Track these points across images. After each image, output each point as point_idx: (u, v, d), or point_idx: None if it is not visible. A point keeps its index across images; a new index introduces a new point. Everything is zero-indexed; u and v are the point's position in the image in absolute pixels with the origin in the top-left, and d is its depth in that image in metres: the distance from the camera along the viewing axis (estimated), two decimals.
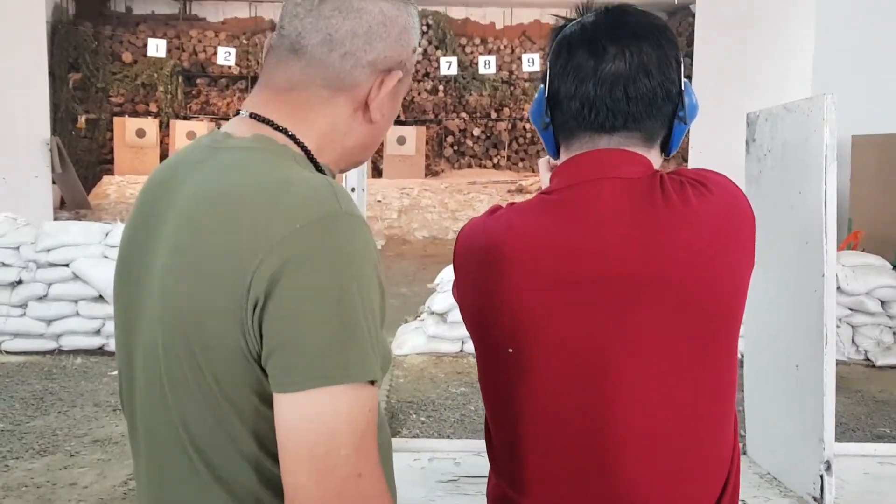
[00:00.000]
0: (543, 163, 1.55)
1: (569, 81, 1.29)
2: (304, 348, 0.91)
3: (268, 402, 0.96)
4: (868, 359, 5.94)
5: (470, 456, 2.16)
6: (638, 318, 1.22)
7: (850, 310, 5.80)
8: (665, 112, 1.30)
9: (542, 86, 1.35)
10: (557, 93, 1.31)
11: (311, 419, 0.91)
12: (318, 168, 1.08)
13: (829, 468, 1.90)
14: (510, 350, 1.27)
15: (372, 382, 0.94)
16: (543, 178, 1.51)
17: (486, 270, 1.29)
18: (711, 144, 7.73)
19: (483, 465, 1.42)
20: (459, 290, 1.37)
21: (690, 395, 1.25)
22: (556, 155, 1.38)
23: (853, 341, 5.99)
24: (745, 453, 2.33)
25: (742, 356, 1.62)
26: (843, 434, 4.14)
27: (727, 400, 1.30)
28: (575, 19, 1.35)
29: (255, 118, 1.08)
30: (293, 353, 0.91)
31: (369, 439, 0.94)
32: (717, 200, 1.25)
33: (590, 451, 1.25)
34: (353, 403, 0.92)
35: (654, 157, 1.32)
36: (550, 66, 1.33)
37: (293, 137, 1.07)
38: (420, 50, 1.22)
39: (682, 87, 1.30)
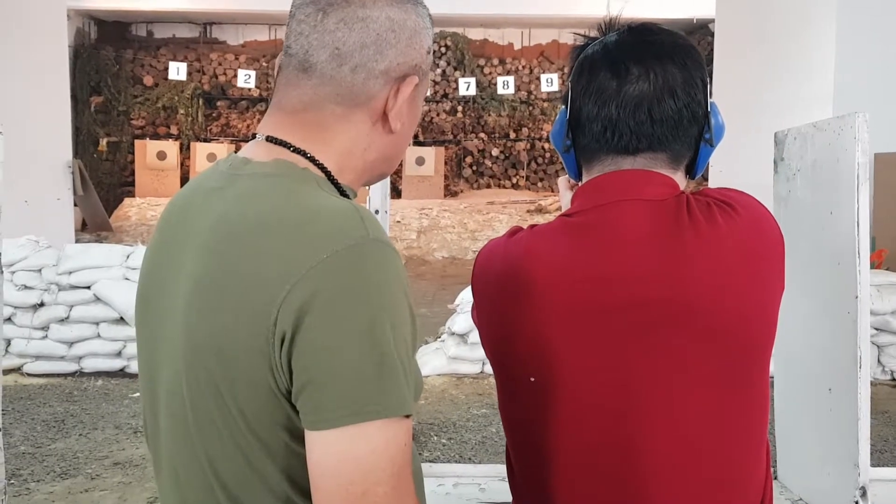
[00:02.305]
0: (563, 181, 1.51)
1: (591, 103, 1.25)
2: (336, 384, 0.87)
3: (299, 438, 0.92)
4: (894, 378, 5.87)
5: (495, 481, 2.12)
6: (664, 345, 1.17)
7: (876, 329, 5.73)
8: (691, 134, 1.25)
9: (563, 107, 1.31)
10: (579, 114, 1.27)
11: (346, 457, 0.87)
12: (341, 190, 1.04)
13: (864, 494, 1.86)
14: (532, 379, 1.23)
15: (407, 416, 0.90)
16: (563, 198, 1.48)
17: (505, 297, 1.25)
18: (732, 163, 7.68)
19: (508, 491, 1.39)
20: (478, 315, 1.34)
21: (721, 424, 1.20)
22: (578, 177, 1.34)
23: (879, 361, 5.92)
24: (776, 478, 2.29)
25: (773, 378, 1.59)
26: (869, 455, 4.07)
27: (759, 428, 1.25)
28: (597, 38, 1.31)
29: (272, 141, 1.04)
30: (325, 389, 0.88)
31: (406, 475, 0.90)
32: (745, 222, 1.20)
33: (617, 484, 1.20)
34: (390, 439, 0.88)
35: (679, 180, 1.28)
36: (572, 86, 1.29)
37: (312, 159, 1.03)
38: (436, 60, 1.15)
39: (709, 109, 1.25)
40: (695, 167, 1.29)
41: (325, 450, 0.88)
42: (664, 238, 1.18)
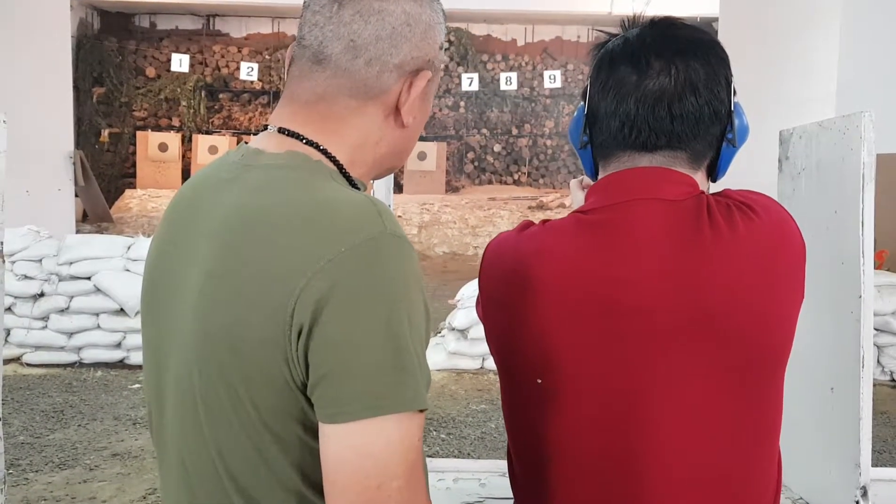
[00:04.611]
0: (575, 183, 1.47)
1: (609, 98, 1.20)
2: (354, 377, 0.86)
3: (312, 432, 0.91)
4: (893, 379, 5.88)
5: (496, 477, 2.11)
6: (675, 351, 1.13)
7: (876, 330, 5.74)
8: (712, 133, 1.20)
9: (581, 103, 1.27)
10: (597, 110, 1.22)
11: (361, 451, 0.86)
12: (352, 183, 1.03)
13: (865, 494, 1.85)
14: (539, 381, 1.19)
15: (421, 410, 0.90)
16: (575, 199, 1.44)
17: (514, 293, 1.20)
18: (735, 161, 7.67)
19: (509, 486, 1.38)
20: (484, 311, 1.29)
21: (730, 435, 1.16)
22: (595, 176, 1.29)
23: (878, 362, 5.94)
24: None
25: None
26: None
27: (771, 439, 1.21)
28: (618, 34, 1.26)
29: (284, 133, 1.03)
30: (342, 383, 0.87)
31: (419, 469, 0.90)
32: (766, 226, 1.15)
33: (621, 490, 1.17)
34: (405, 433, 0.87)
35: (700, 180, 1.22)
36: (591, 81, 1.25)
37: (325, 152, 1.02)
38: (446, 47, 1.13)
39: (732, 108, 1.20)
40: (716, 169, 1.25)
41: (341, 443, 0.87)
42: (681, 240, 1.14)
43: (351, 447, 0.87)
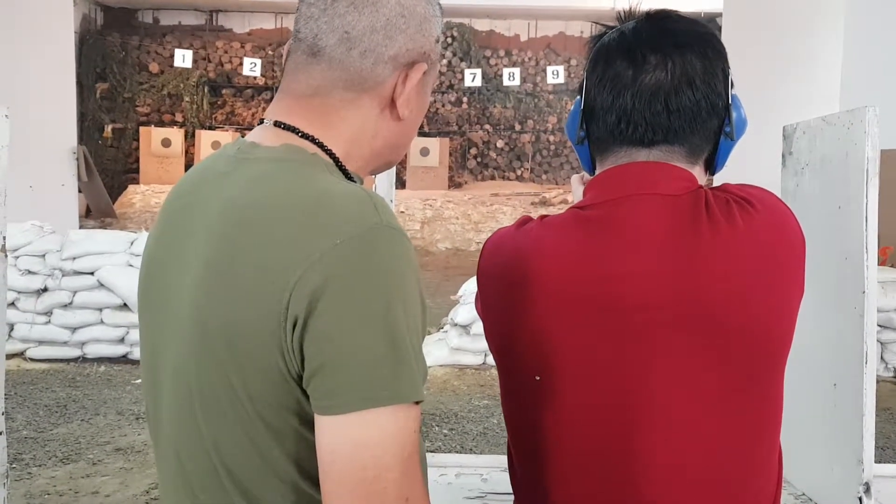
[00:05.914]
0: (576, 179, 1.47)
1: (605, 93, 1.19)
2: (349, 369, 0.86)
3: (308, 423, 0.91)
4: None
5: (497, 472, 2.11)
6: (674, 348, 1.12)
7: (879, 326, 5.72)
8: (710, 127, 1.19)
9: (578, 97, 1.26)
10: (593, 105, 1.21)
11: (357, 442, 0.86)
12: (348, 176, 1.03)
13: (867, 490, 1.85)
14: (537, 378, 1.18)
15: (417, 402, 0.90)
16: (576, 194, 1.44)
17: (511, 289, 1.20)
18: (737, 158, 7.65)
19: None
20: (483, 306, 1.29)
21: (730, 430, 1.15)
22: (592, 171, 1.28)
23: (882, 358, 5.93)
24: None
25: None
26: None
27: (771, 435, 1.20)
28: (615, 27, 1.25)
29: (280, 126, 1.04)
30: (338, 374, 0.87)
31: (415, 460, 0.89)
32: (765, 222, 1.14)
33: (618, 489, 1.16)
34: (401, 425, 0.87)
35: (698, 174, 1.22)
36: (587, 76, 1.24)
37: (321, 145, 1.02)
38: (442, 50, 1.13)
39: (730, 101, 1.19)
40: (714, 162, 1.24)
41: (337, 435, 0.87)
42: (679, 236, 1.13)
43: (346, 439, 0.86)
